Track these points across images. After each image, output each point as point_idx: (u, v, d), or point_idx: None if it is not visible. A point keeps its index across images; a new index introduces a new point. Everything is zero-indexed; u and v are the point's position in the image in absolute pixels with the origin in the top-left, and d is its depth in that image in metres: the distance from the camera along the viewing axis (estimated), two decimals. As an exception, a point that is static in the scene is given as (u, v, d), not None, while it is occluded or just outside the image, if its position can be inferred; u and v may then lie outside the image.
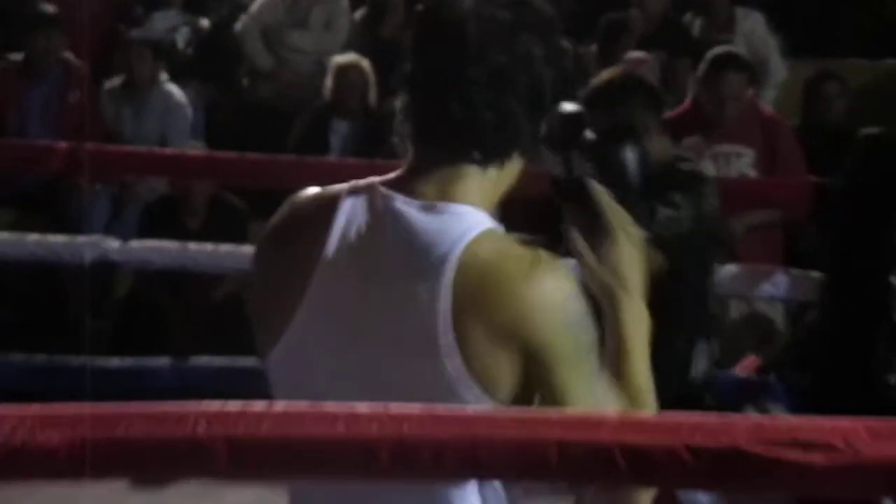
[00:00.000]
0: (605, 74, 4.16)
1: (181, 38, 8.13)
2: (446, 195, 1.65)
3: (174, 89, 7.15)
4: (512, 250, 1.63)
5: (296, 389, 1.64)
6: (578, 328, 1.60)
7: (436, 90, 1.65)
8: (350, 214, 1.66)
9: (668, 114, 4.86)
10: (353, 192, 1.68)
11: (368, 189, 1.68)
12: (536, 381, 1.58)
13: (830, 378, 3.83)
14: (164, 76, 7.16)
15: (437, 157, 1.67)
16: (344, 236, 1.65)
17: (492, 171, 1.67)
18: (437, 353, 1.57)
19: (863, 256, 3.80)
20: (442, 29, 1.67)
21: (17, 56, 7.07)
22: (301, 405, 1.52)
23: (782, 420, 1.74)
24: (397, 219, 1.64)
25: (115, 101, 7.05)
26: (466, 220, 1.63)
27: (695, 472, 1.40)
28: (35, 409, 1.49)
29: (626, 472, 1.39)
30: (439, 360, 1.56)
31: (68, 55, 6.96)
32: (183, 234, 6.08)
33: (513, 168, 1.70)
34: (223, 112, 8.04)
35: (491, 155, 1.66)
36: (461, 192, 1.66)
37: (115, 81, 7.15)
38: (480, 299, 1.56)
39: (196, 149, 6.71)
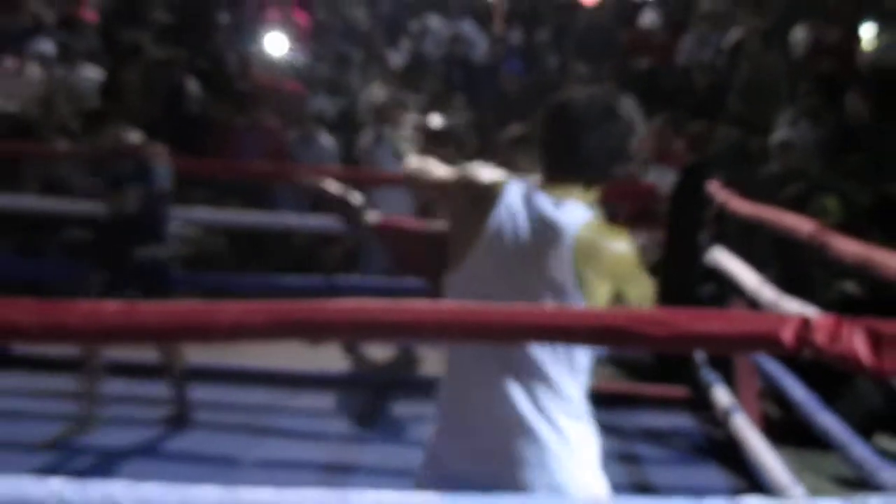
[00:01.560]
0: None
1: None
2: (566, 197, 2.82)
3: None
4: (604, 228, 2.79)
5: (464, 296, 2.76)
6: (639, 268, 2.81)
7: (561, 148, 2.87)
8: (512, 196, 2.84)
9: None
10: (515, 183, 2.88)
11: (522, 185, 2.87)
12: (618, 297, 2.75)
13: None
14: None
15: (561, 178, 2.86)
16: (507, 207, 2.83)
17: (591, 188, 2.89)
18: (565, 289, 2.72)
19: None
20: (564, 117, 2.87)
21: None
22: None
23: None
24: (538, 207, 2.80)
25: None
26: (579, 211, 2.80)
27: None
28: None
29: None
30: (566, 294, 2.72)
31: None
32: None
33: (601, 185, 2.90)
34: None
35: (592, 182, 2.88)
36: (575, 196, 2.83)
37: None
38: (591, 255, 2.72)
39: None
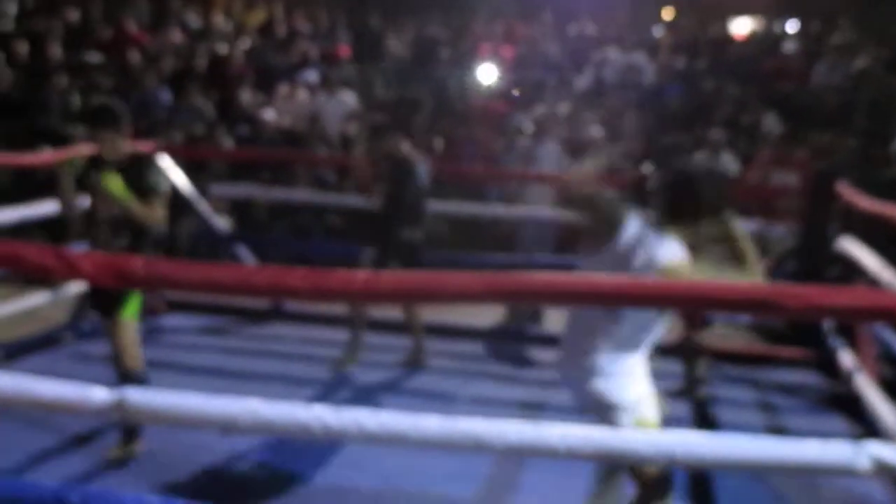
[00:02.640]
0: None
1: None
2: (668, 235, 3.20)
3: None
4: (682, 263, 3.13)
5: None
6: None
7: (682, 205, 3.27)
8: (632, 226, 3.22)
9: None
10: (634, 217, 3.24)
11: (639, 220, 3.24)
12: None
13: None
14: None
15: (671, 223, 3.24)
16: (628, 233, 3.20)
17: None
18: None
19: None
20: (684, 184, 3.31)
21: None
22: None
23: None
24: (648, 239, 3.19)
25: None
26: (673, 248, 3.16)
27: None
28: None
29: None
30: None
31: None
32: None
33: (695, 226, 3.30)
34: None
35: (694, 223, 3.29)
36: (673, 235, 3.21)
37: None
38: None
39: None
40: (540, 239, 7.67)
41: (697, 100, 10.74)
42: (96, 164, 4.57)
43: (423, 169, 6.12)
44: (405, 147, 6.10)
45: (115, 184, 4.40)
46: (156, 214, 4.50)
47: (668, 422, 3.39)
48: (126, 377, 4.45)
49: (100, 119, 4.60)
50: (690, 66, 12.04)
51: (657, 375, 3.50)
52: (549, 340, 6.85)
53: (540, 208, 7.77)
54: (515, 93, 11.13)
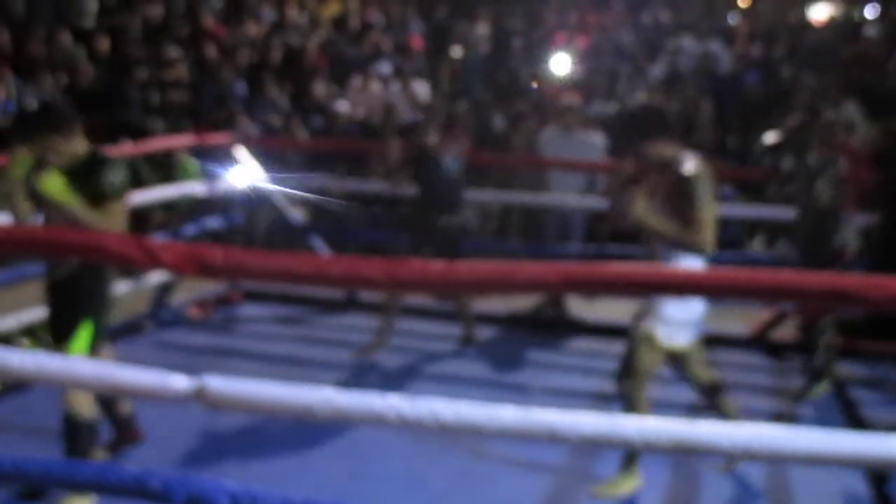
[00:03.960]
0: None
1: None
2: None
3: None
4: None
5: None
6: None
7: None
8: None
9: None
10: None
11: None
12: None
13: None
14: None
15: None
16: None
17: None
18: None
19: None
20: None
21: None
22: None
23: None
24: None
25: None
26: None
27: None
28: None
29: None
30: None
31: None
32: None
33: None
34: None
35: None
36: None
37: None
38: None
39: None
40: (566, 228, 7.53)
41: (775, 88, 10.53)
42: (40, 166, 3.99)
43: (451, 159, 6.27)
44: (432, 139, 6.32)
45: (53, 185, 3.83)
46: (113, 219, 3.92)
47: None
48: (67, 423, 3.95)
49: (39, 122, 4.01)
50: (767, 53, 11.81)
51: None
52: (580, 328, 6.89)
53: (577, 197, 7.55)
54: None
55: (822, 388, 5.66)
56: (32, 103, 10.49)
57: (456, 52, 12.65)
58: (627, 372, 4.26)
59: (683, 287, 2.59)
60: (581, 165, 7.24)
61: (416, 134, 6.40)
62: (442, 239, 6.18)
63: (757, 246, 8.64)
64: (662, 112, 4.25)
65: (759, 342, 6.45)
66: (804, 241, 5.75)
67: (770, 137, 6.92)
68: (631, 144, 4.15)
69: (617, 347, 6.45)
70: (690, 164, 3.97)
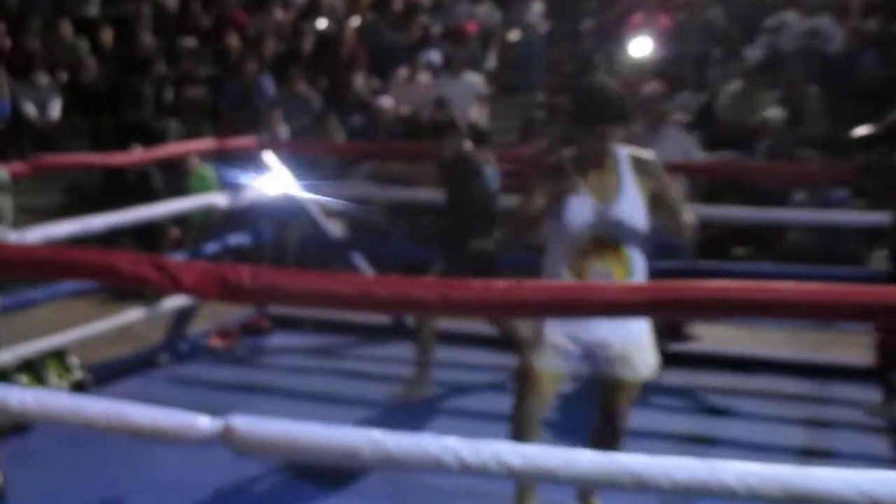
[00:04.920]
0: None
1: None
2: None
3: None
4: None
5: None
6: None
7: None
8: None
9: None
10: None
11: None
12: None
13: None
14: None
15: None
16: None
17: None
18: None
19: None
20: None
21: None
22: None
23: None
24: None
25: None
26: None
27: None
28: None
29: None
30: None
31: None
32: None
33: None
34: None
35: None
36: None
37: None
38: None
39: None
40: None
41: (894, 70, 10.40)
42: None
43: (492, 170, 6.18)
44: (467, 146, 6.22)
45: None
46: None
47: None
48: None
49: None
50: (885, 29, 11.67)
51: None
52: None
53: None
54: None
55: None
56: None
57: (513, 34, 12.68)
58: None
59: (788, 307, 2.56)
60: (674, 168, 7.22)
61: (447, 141, 6.19)
62: (479, 263, 6.01)
63: (879, 261, 8.49)
64: (606, 93, 4.02)
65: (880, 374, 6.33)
66: None
67: (862, 129, 6.87)
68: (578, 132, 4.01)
69: (713, 379, 6.43)
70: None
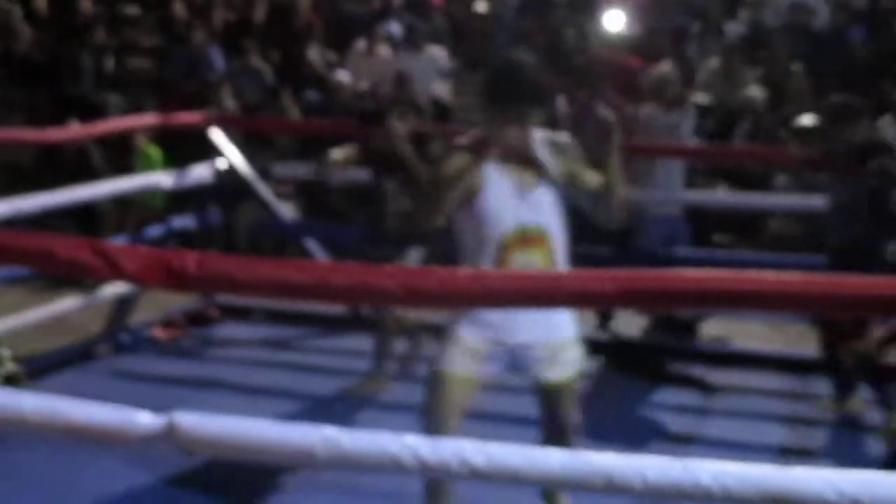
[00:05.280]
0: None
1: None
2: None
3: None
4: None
5: None
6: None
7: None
8: None
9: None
10: None
11: None
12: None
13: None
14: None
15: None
16: None
17: None
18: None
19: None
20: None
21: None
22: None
23: None
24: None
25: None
26: None
27: None
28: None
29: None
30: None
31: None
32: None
33: None
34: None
35: None
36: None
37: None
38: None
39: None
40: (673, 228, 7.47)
41: (886, 47, 10.47)
42: None
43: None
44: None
45: None
46: None
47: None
48: None
49: None
50: (875, 3, 11.76)
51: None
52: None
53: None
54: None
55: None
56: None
57: (480, 5, 12.67)
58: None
59: (778, 298, 2.58)
60: (688, 152, 7.32)
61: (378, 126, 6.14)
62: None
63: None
64: (525, 72, 3.89)
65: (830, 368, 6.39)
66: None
67: (807, 119, 6.95)
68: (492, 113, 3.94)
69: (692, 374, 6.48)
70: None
